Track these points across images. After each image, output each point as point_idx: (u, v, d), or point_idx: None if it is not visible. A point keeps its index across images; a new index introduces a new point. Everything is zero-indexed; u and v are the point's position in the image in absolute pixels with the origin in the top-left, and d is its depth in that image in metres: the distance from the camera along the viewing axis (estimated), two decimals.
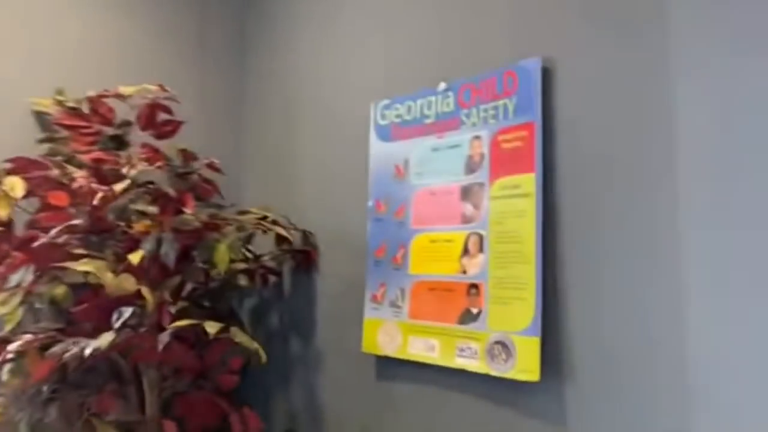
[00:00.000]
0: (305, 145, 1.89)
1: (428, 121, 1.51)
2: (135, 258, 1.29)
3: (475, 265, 1.35)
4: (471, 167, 1.39)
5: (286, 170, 1.95)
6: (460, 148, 1.42)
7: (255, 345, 1.36)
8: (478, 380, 1.32)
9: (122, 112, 1.70)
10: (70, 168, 1.41)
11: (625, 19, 1.16)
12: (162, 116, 1.59)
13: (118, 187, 1.31)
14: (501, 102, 1.34)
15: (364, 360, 1.60)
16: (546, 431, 1.21)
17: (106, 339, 1.26)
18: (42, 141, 1.70)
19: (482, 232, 1.34)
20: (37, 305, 1.52)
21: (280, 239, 1.80)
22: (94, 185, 1.38)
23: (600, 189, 1.17)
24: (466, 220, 1.38)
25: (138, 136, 1.68)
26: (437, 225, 1.45)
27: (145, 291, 1.28)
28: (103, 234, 1.45)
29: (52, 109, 1.79)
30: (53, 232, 1.31)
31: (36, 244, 1.30)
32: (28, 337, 1.39)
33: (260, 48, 2.12)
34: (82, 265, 1.25)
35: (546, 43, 1.28)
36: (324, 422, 1.69)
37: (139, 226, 1.48)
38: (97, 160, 1.51)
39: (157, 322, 1.44)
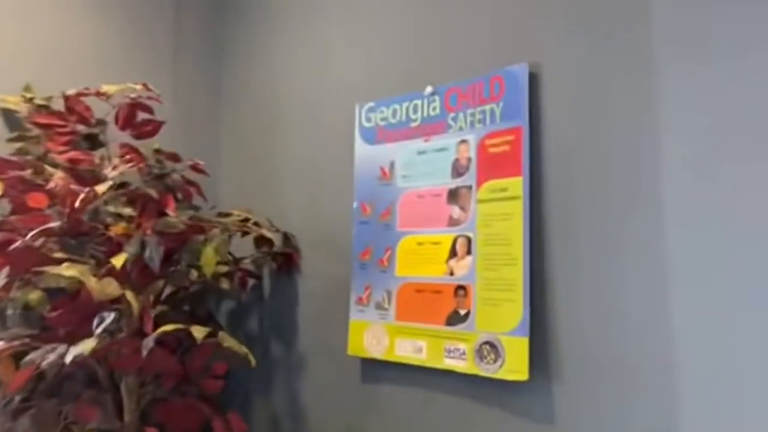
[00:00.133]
0: (285, 147, 1.88)
1: (414, 124, 1.52)
2: (118, 261, 1.26)
3: (462, 267, 1.37)
4: (458, 170, 1.41)
5: (265, 172, 1.93)
6: (446, 151, 1.44)
7: (244, 349, 1.34)
8: (466, 381, 1.34)
9: (98, 111, 1.65)
10: (49, 169, 1.35)
11: (610, 24, 1.20)
12: (141, 116, 1.56)
13: (101, 188, 1.28)
14: (488, 106, 1.37)
15: (349, 362, 1.60)
16: (534, 430, 1.24)
17: (88, 345, 1.22)
18: (12, 140, 1.63)
19: (470, 234, 1.36)
20: (9, 311, 1.46)
21: (260, 242, 1.78)
22: (74, 186, 1.34)
23: (586, 191, 1.21)
24: (453, 222, 1.40)
25: (113, 136, 1.64)
26: (424, 227, 1.46)
27: (130, 295, 1.25)
28: (81, 237, 1.41)
29: (21, 107, 1.73)
30: (31, 234, 1.26)
31: (13, 247, 1.24)
32: (1, 343, 1.33)
33: (237, 47, 2.09)
34: (65, 270, 1.21)
35: (532, 48, 1.31)
36: (307, 426, 1.68)
37: (117, 229, 1.44)
38: (74, 160, 1.46)
39: (138, 327, 1.40)
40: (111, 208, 1.53)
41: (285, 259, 1.78)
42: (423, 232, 1.46)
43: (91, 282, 1.21)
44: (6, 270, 1.32)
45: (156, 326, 1.35)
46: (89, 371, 1.55)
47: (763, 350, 0.99)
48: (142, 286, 1.39)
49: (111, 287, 1.23)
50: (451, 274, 1.38)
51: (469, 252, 1.36)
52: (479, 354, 1.30)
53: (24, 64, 1.77)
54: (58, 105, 1.71)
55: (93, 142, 1.77)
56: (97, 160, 1.45)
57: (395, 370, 1.49)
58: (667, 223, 1.10)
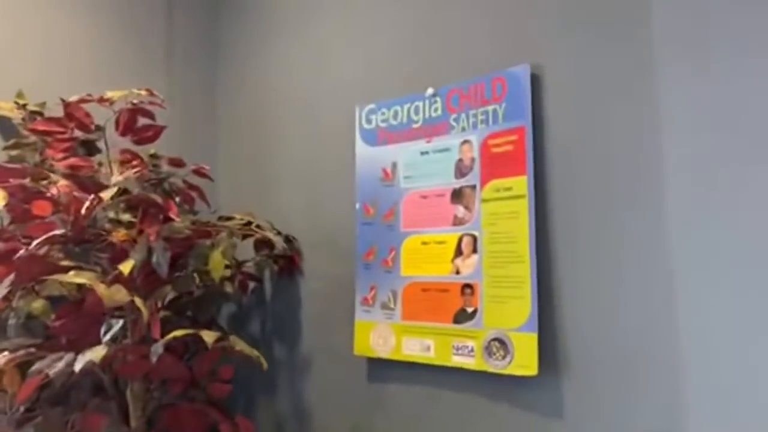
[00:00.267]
0: (284, 149, 1.88)
1: (416, 125, 1.53)
2: (126, 268, 1.25)
3: (468, 266, 1.39)
4: (462, 171, 1.43)
5: (263, 175, 1.93)
6: (449, 152, 1.46)
7: (255, 352, 1.35)
8: (474, 377, 1.36)
9: (95, 116, 1.64)
10: (54, 176, 1.34)
11: (611, 25, 1.23)
12: (142, 121, 1.55)
13: (106, 194, 1.27)
14: (490, 107, 1.39)
15: (355, 363, 1.61)
16: (543, 425, 1.26)
17: (98, 352, 1.22)
18: (9, 147, 1.62)
19: (475, 233, 1.38)
20: (11, 320, 1.45)
21: (260, 244, 1.79)
22: (77, 193, 1.33)
23: (589, 189, 1.24)
24: (458, 222, 1.42)
25: (112, 142, 1.62)
26: (429, 227, 1.48)
27: (139, 302, 1.24)
28: (85, 244, 1.40)
29: (14, 114, 1.71)
30: (36, 243, 1.25)
31: (18, 255, 1.23)
32: (5, 354, 1.32)
33: (233, 48, 2.09)
34: (74, 277, 1.20)
35: (533, 49, 1.33)
36: (314, 427, 1.69)
37: (119, 235, 1.44)
38: (75, 167, 1.45)
39: (144, 334, 1.40)
40: (110, 214, 1.52)
41: (287, 262, 1.78)
42: (427, 231, 1.48)
43: (101, 289, 1.20)
44: (9, 279, 1.31)
45: (160, 332, 1.35)
46: (94, 379, 1.54)
47: (765, 346, 1.02)
48: (148, 292, 1.38)
49: (120, 294, 1.22)
50: (457, 272, 1.40)
51: (474, 250, 1.38)
52: (488, 350, 1.32)
53: (15, 69, 1.75)
54: (52, 111, 1.69)
55: (90, 148, 1.76)
56: (99, 167, 1.44)
57: (402, 369, 1.51)
58: (670, 221, 1.13)
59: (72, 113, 1.46)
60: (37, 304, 1.40)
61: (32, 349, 1.34)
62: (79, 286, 1.54)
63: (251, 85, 2.01)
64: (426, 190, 1.50)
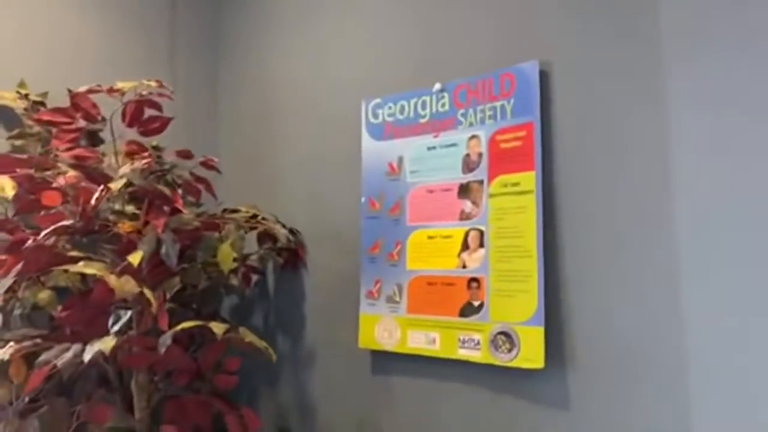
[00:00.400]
0: (287, 143, 1.88)
1: (423, 120, 1.54)
2: (135, 259, 1.25)
3: (475, 260, 1.40)
4: (469, 166, 1.44)
5: (266, 168, 1.93)
6: (456, 147, 1.47)
7: (264, 344, 1.35)
8: (479, 370, 1.38)
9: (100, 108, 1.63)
10: (62, 167, 1.34)
11: (619, 20, 1.24)
12: (148, 113, 1.54)
13: (115, 185, 1.27)
14: (499, 103, 1.40)
15: (359, 355, 1.62)
16: (549, 417, 1.28)
17: (108, 343, 1.22)
18: (13, 137, 1.61)
19: (482, 227, 1.40)
20: (16, 311, 1.44)
21: (264, 238, 1.79)
22: (85, 184, 1.32)
23: (597, 185, 1.25)
24: (465, 216, 1.43)
25: (117, 133, 1.62)
26: (435, 222, 1.49)
27: (148, 293, 1.24)
28: (92, 235, 1.39)
29: (16, 104, 1.70)
30: (45, 233, 1.25)
31: (27, 245, 1.23)
32: (12, 344, 1.31)
33: (235, 42, 2.08)
34: (85, 268, 1.20)
35: (541, 45, 1.35)
36: (318, 419, 1.70)
37: (125, 227, 1.43)
38: (80, 158, 1.44)
39: (151, 325, 1.40)
40: (115, 206, 1.51)
41: (291, 255, 1.79)
42: (434, 226, 1.49)
43: (112, 280, 1.20)
44: (15, 269, 1.30)
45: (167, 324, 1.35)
46: (98, 370, 1.54)
47: None
48: (155, 283, 1.38)
49: (130, 285, 1.22)
50: (464, 266, 1.42)
51: (481, 245, 1.39)
52: (494, 344, 1.34)
53: (18, 61, 1.73)
54: (54, 101, 1.68)
55: (93, 139, 1.75)
56: (105, 158, 1.44)
57: (407, 362, 1.52)
58: (676, 217, 1.15)
59: (78, 103, 1.45)
60: (44, 295, 1.40)
61: (38, 340, 1.33)
62: (83, 277, 1.55)
63: (255, 78, 2.00)
64: (432, 185, 1.51)
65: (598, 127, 1.26)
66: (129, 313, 1.28)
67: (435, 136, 1.51)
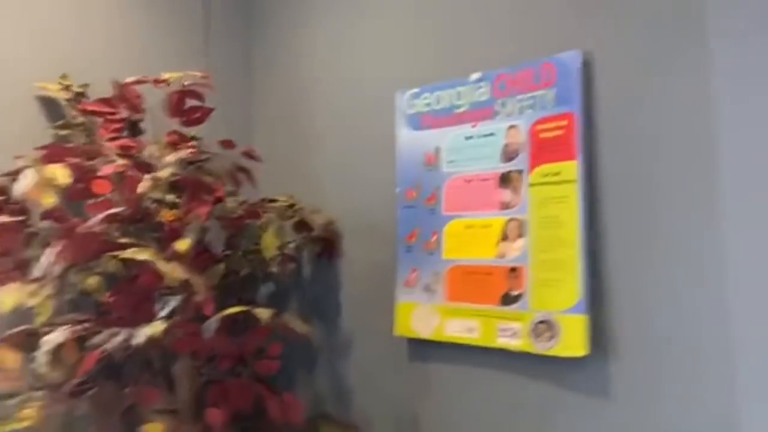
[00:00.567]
0: (322, 133, 1.90)
1: (460, 110, 1.55)
2: (182, 246, 1.29)
3: (515, 249, 1.41)
4: (508, 155, 1.45)
5: (301, 159, 1.95)
6: (495, 136, 1.48)
7: (308, 329, 1.38)
8: (518, 358, 1.39)
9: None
10: (110, 155, 1.37)
11: (664, 10, 1.23)
12: (189, 103, 1.57)
13: (163, 174, 1.30)
14: (539, 93, 1.40)
15: (395, 343, 1.64)
16: (589, 406, 1.29)
17: (158, 327, 1.25)
18: (59, 127, 1.65)
19: (522, 217, 1.40)
20: (67, 296, 1.49)
21: (300, 227, 1.81)
22: (132, 173, 1.36)
23: (642, 174, 1.25)
24: (504, 206, 1.44)
25: (160, 123, 1.65)
26: (473, 211, 1.50)
27: (196, 279, 1.28)
28: (139, 223, 1.43)
29: (59, 95, 1.74)
30: (96, 219, 1.28)
31: (80, 230, 1.27)
32: (65, 328, 1.36)
33: (271, 31, 2.10)
34: (137, 254, 1.23)
35: (584, 35, 1.34)
36: (354, 405, 1.73)
37: (168, 215, 1.47)
38: (125, 147, 1.48)
39: (196, 311, 1.43)
40: (156, 195, 1.55)
41: (326, 244, 1.81)
42: (472, 215, 1.50)
43: (162, 266, 1.23)
44: (67, 256, 1.34)
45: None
46: (142, 355, 1.58)
47: None
48: (200, 270, 1.42)
49: (178, 271, 1.26)
50: (503, 256, 1.43)
51: (521, 234, 1.40)
52: (534, 332, 1.35)
53: (54, 52, 1.76)
54: (96, 93, 1.72)
55: (134, 129, 1.79)
56: (149, 148, 1.47)
57: (443, 350, 1.54)
58: (723, 207, 1.15)
59: (124, 94, 1.48)
60: (92, 281, 1.44)
61: (89, 324, 1.37)
62: (127, 264, 1.59)
63: (290, 67, 2.02)
64: (470, 175, 1.51)
65: (642, 117, 1.26)
66: (178, 298, 1.32)
67: (473, 126, 1.52)
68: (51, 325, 1.43)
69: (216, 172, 1.52)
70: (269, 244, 1.42)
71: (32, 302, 1.40)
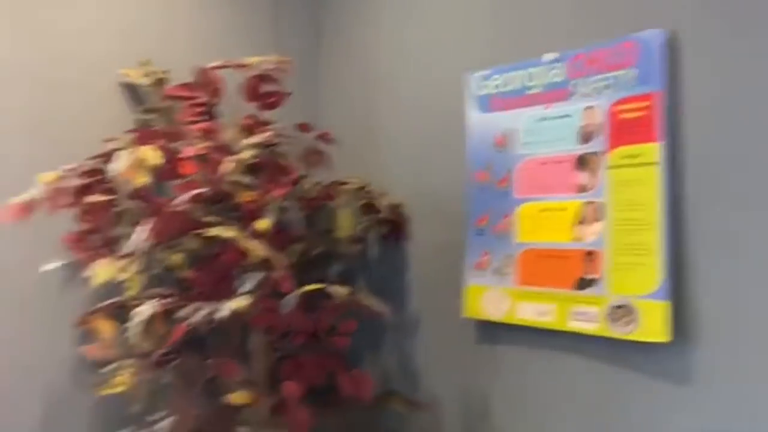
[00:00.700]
0: (390, 116, 1.91)
1: (532, 91, 1.53)
2: (263, 225, 1.34)
3: (591, 233, 1.39)
4: (585, 137, 1.42)
5: (369, 141, 1.98)
6: (570, 118, 1.45)
7: (383, 306, 1.41)
8: (593, 342, 1.38)
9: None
10: (194, 139, 1.44)
11: None
12: (265, 87, 1.62)
13: (245, 155, 1.35)
14: (619, 72, 1.36)
15: (463, 325, 1.66)
16: (669, 391, 1.27)
17: (241, 302, 1.31)
18: (144, 111, 1.73)
19: (599, 200, 1.38)
20: (153, 272, 1.57)
21: (368, 208, 1.84)
22: (215, 155, 1.42)
23: (730, 156, 1.21)
24: (581, 189, 1.42)
25: (236, 107, 1.71)
26: (548, 194, 1.48)
27: (276, 257, 1.33)
28: (219, 203, 1.49)
29: (141, 80, 1.82)
30: (183, 198, 1.35)
31: (169, 210, 1.33)
32: (154, 301, 1.44)
33: (340, 16, 2.12)
34: (223, 232, 1.29)
35: (668, 12, 1.30)
36: (423, 384, 1.76)
37: (246, 196, 1.52)
38: (208, 130, 1.54)
39: (274, 288, 1.49)
40: (234, 176, 1.61)
41: (394, 226, 1.84)
42: (546, 198, 1.49)
43: (247, 243, 1.29)
44: (156, 233, 1.42)
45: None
46: (223, 329, 1.66)
47: None
48: (278, 249, 1.47)
49: (261, 249, 1.31)
50: (579, 239, 1.41)
51: (598, 218, 1.38)
52: (611, 317, 1.33)
53: (135, 41, 1.85)
54: (177, 78, 1.79)
55: (211, 113, 1.86)
56: (229, 131, 1.53)
57: (513, 332, 1.54)
58: None
59: (206, 79, 1.54)
60: (176, 257, 1.51)
61: (175, 299, 1.45)
62: (208, 242, 1.66)
63: (358, 52, 2.04)
64: (544, 157, 1.50)
65: (731, 98, 1.21)
66: (261, 275, 1.37)
67: (546, 107, 1.50)
68: (139, 298, 1.52)
69: (290, 154, 1.56)
70: (345, 224, 1.45)
71: (122, 277, 1.49)
